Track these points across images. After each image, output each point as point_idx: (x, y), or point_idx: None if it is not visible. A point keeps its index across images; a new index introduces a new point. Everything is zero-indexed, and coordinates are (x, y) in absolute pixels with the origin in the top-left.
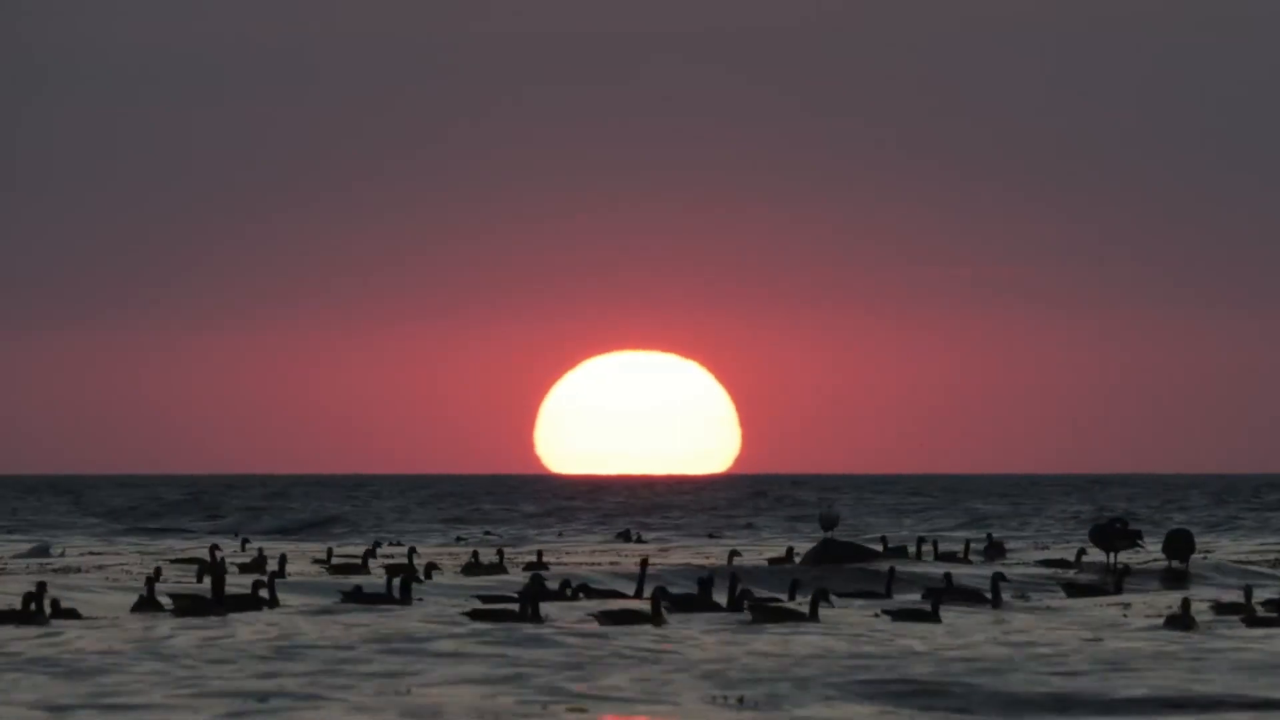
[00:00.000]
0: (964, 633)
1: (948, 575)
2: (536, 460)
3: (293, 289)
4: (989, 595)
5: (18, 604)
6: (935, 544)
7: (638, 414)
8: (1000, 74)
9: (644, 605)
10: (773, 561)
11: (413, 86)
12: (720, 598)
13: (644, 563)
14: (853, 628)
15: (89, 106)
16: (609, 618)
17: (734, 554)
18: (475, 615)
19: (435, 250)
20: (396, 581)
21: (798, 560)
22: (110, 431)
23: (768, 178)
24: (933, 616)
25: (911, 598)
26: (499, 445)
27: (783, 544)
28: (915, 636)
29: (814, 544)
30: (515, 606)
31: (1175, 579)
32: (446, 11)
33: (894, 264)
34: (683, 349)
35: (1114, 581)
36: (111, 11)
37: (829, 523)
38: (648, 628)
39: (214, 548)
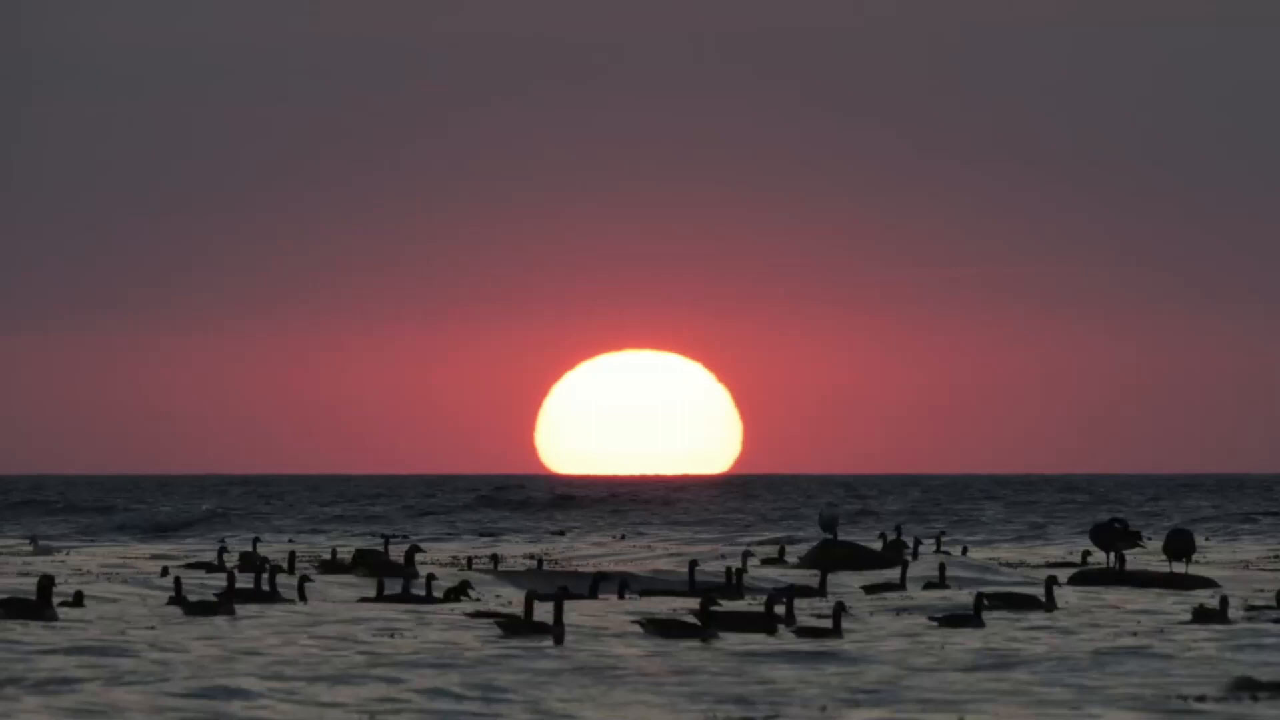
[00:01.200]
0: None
1: (942, 566)
2: (538, 460)
3: (290, 289)
4: (1041, 598)
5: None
6: (897, 530)
7: (638, 414)
8: (1002, 74)
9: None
10: (765, 562)
11: (412, 86)
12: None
13: (692, 565)
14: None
15: (85, 105)
16: (656, 627)
17: (747, 554)
18: (474, 615)
19: (433, 250)
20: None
21: (791, 561)
22: (108, 432)
23: (770, 178)
24: (976, 621)
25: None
26: (499, 445)
27: (787, 544)
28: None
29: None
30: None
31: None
32: (445, 11)
33: (896, 264)
34: (683, 349)
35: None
36: (107, 11)
37: (829, 524)
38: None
39: (221, 548)
